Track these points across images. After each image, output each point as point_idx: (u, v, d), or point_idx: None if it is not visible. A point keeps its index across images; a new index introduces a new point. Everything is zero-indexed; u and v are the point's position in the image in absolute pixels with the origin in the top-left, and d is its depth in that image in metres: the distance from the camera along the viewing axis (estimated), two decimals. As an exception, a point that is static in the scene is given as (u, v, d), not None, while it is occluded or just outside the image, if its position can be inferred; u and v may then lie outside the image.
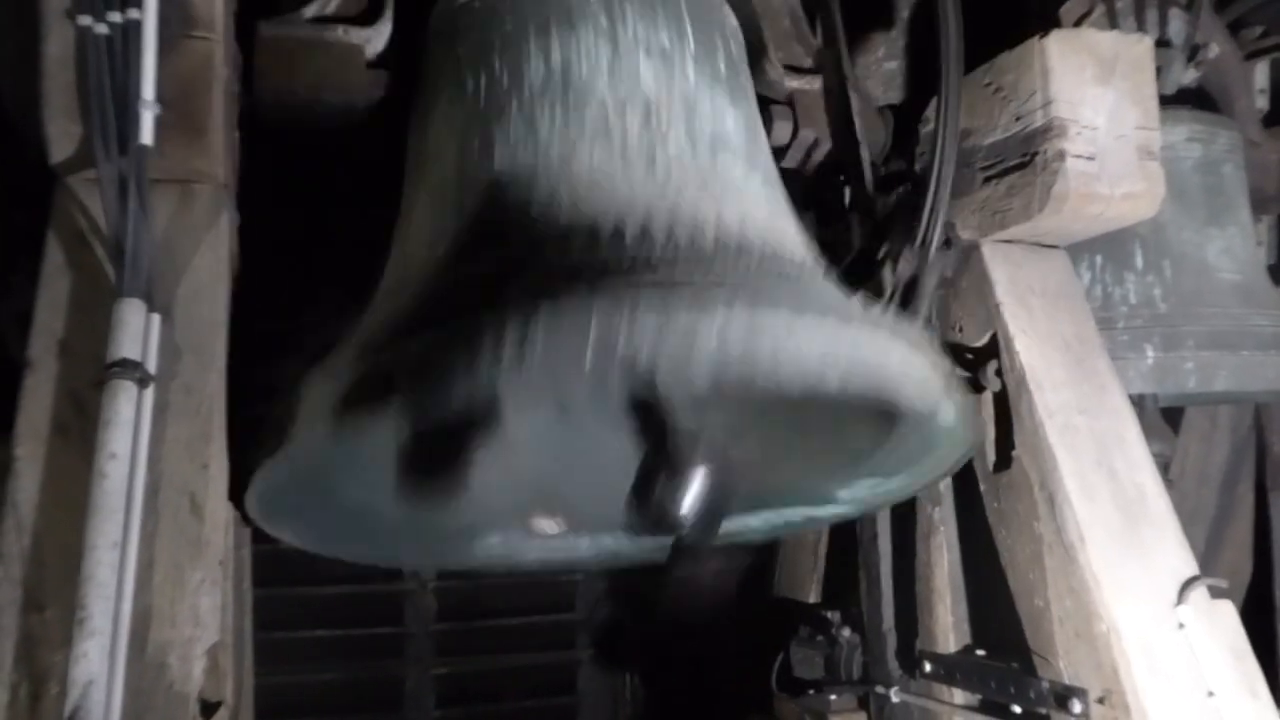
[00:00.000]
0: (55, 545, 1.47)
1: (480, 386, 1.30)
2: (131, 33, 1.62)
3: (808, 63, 2.37)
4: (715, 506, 1.59)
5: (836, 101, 2.35)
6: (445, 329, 1.37)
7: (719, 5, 1.98)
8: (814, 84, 2.36)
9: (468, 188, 1.73)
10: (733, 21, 2.02)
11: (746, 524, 2.14)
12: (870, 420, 1.77)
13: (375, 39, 2.03)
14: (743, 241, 1.61)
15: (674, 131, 1.73)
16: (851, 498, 2.09)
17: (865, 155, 2.35)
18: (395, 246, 1.84)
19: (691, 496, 1.56)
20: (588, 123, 1.71)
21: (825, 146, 2.38)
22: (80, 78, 1.64)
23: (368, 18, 2.04)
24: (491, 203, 1.68)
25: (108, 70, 1.61)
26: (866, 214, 2.37)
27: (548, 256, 1.54)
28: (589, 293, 1.36)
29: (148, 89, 1.62)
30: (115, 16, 1.61)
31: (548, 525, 2.08)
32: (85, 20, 1.61)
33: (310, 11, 2.01)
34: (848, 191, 2.43)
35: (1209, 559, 3.20)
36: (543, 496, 2.04)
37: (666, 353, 1.30)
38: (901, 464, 1.93)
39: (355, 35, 2.02)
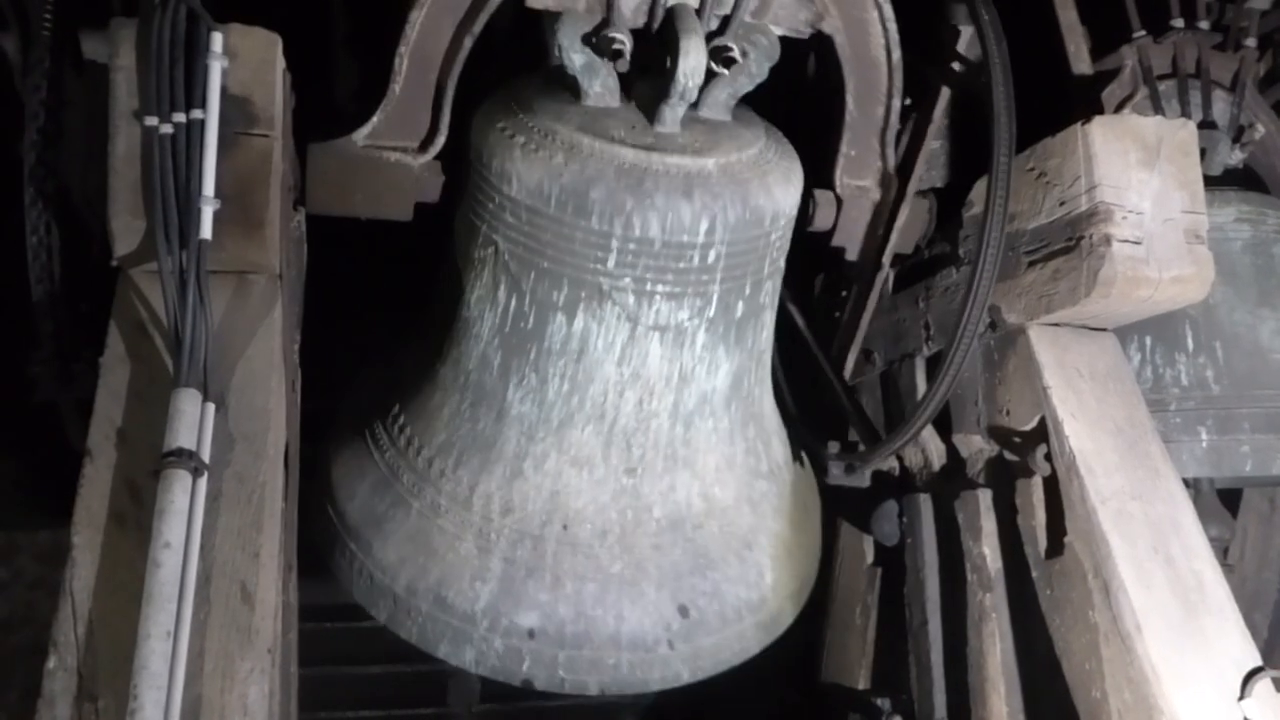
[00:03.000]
0: (109, 634, 1.48)
1: None
2: (194, 132, 1.68)
3: (872, 178, 2.33)
4: None
5: (882, 222, 2.36)
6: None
7: (771, 210, 1.97)
8: (871, 197, 2.34)
9: (482, 405, 2.03)
10: (787, 204, 2.01)
11: None
12: None
13: (428, 155, 2.04)
14: (675, 528, 2.06)
15: (660, 414, 2.02)
16: None
17: (878, 284, 2.45)
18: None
19: None
20: (589, 401, 1.99)
21: (851, 257, 2.41)
22: (145, 175, 1.69)
23: (423, 144, 2.03)
24: (497, 443, 2.02)
25: (170, 168, 1.67)
26: (852, 334, 2.51)
27: (520, 549, 1.99)
28: (523, 650, 1.97)
29: (208, 185, 1.68)
30: (179, 117, 1.67)
31: None
32: (151, 121, 1.67)
33: (362, 136, 1.99)
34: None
35: (1272, 645, 3.10)
36: None
37: (570, 686, 1.97)
38: None
39: (408, 159, 2.02)
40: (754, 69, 1.96)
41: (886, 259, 2.38)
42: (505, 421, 2.02)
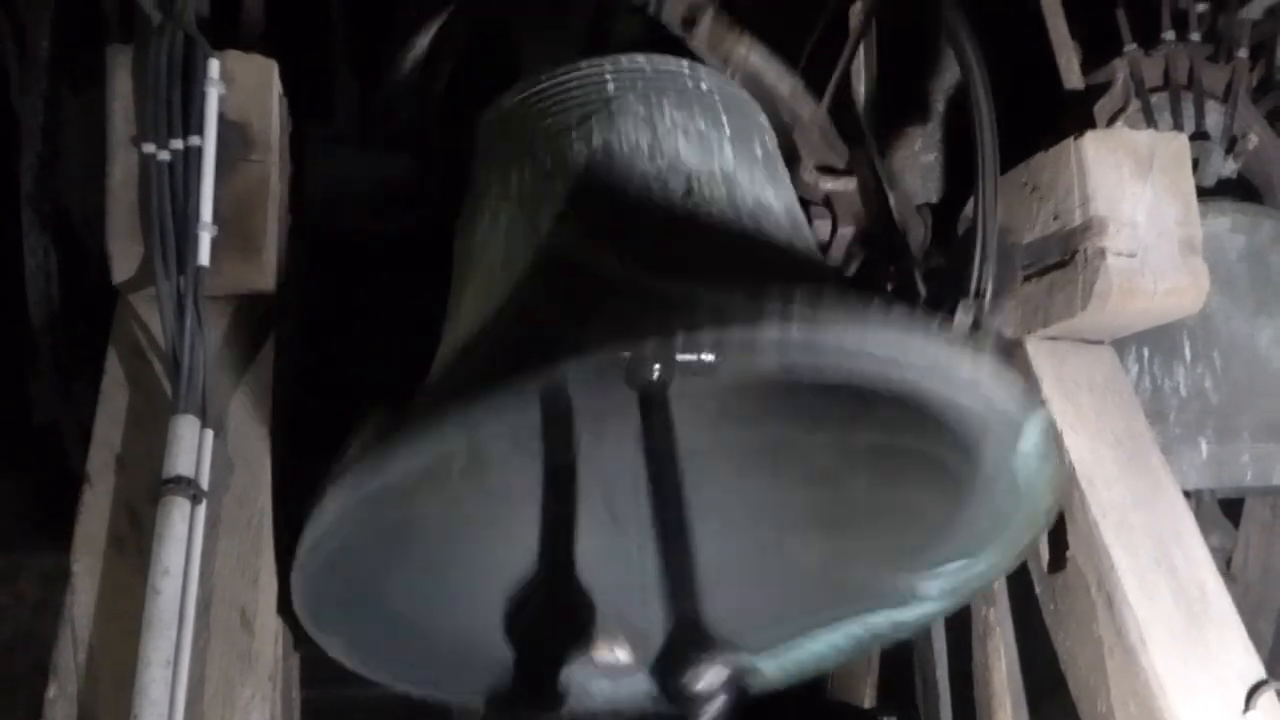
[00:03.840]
0: (109, 661, 1.49)
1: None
2: (192, 158, 1.69)
3: (842, 165, 2.39)
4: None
5: (874, 197, 2.38)
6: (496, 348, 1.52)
7: (751, 103, 2.06)
8: (850, 184, 2.38)
9: (516, 262, 1.74)
10: (764, 119, 2.08)
11: (831, 644, 2.00)
12: (944, 478, 1.70)
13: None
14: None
15: (716, 201, 1.76)
16: (940, 590, 1.89)
17: (913, 244, 2.39)
18: (441, 345, 1.88)
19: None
20: (632, 194, 1.74)
21: (867, 243, 2.40)
22: (142, 201, 1.70)
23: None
24: (544, 268, 1.69)
25: (168, 194, 1.68)
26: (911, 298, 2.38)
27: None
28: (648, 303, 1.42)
29: (206, 211, 1.68)
30: (177, 143, 1.68)
31: (613, 655, 1.89)
32: (149, 147, 1.68)
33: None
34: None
35: (1277, 654, 3.08)
36: (604, 622, 1.86)
37: (728, 344, 1.32)
38: (988, 531, 1.76)
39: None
40: None
41: (900, 222, 2.38)
42: (547, 243, 1.75)
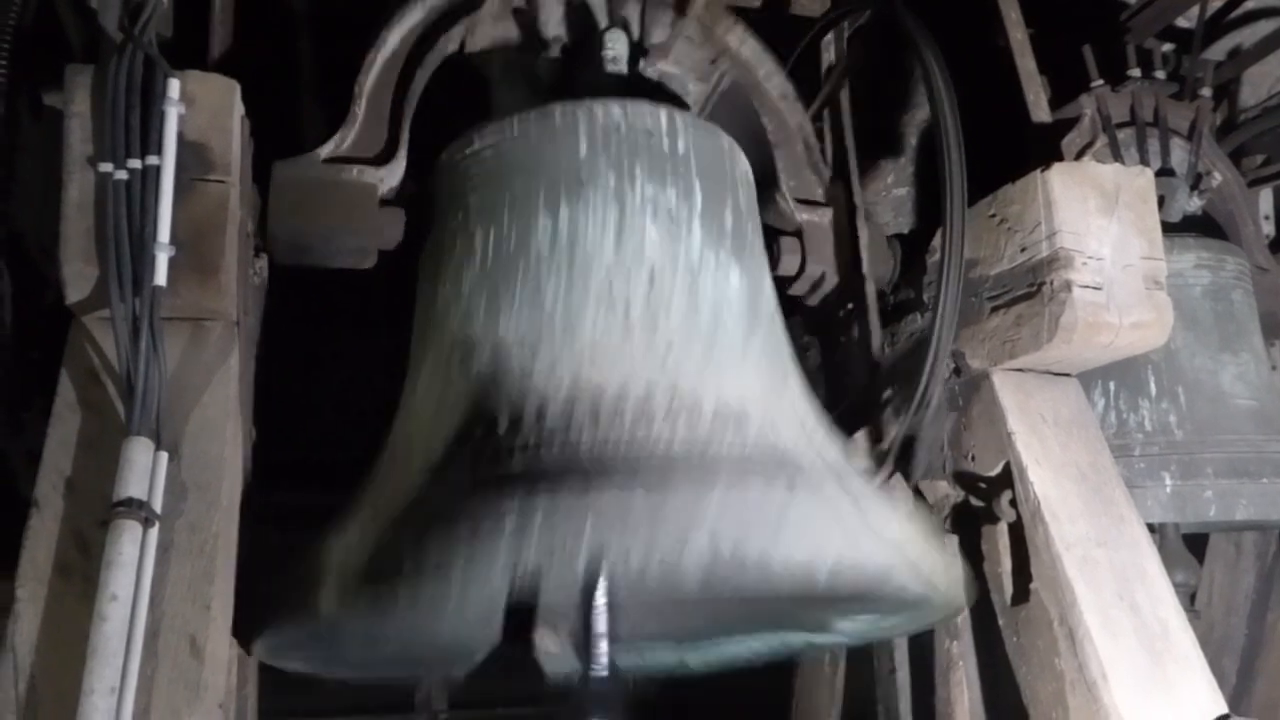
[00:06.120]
0: (52, 690, 1.44)
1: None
2: (149, 178, 1.66)
3: (819, 195, 2.39)
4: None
5: (846, 238, 2.38)
6: (451, 535, 1.53)
7: (729, 151, 2.03)
8: (824, 216, 2.39)
9: (473, 355, 1.78)
10: (742, 166, 2.06)
11: (747, 645, 2.12)
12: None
13: (389, 177, 2.07)
14: (740, 421, 1.70)
15: (677, 298, 1.79)
16: (852, 630, 2.05)
17: (871, 290, 2.39)
18: (402, 406, 1.91)
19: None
20: (592, 290, 1.77)
21: (833, 280, 2.40)
22: (98, 221, 1.67)
23: (382, 157, 2.07)
24: (494, 377, 1.74)
25: (125, 214, 1.65)
26: (869, 348, 2.41)
27: (546, 453, 1.61)
28: (585, 510, 1.51)
29: (163, 232, 1.65)
30: (134, 163, 1.65)
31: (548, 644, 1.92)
32: (106, 166, 1.65)
33: (325, 152, 2.04)
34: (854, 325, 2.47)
35: (1241, 690, 3.09)
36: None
37: (658, 564, 1.45)
38: (901, 607, 1.86)
39: (369, 175, 2.05)
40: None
41: (866, 267, 2.38)
42: (501, 355, 1.75)
